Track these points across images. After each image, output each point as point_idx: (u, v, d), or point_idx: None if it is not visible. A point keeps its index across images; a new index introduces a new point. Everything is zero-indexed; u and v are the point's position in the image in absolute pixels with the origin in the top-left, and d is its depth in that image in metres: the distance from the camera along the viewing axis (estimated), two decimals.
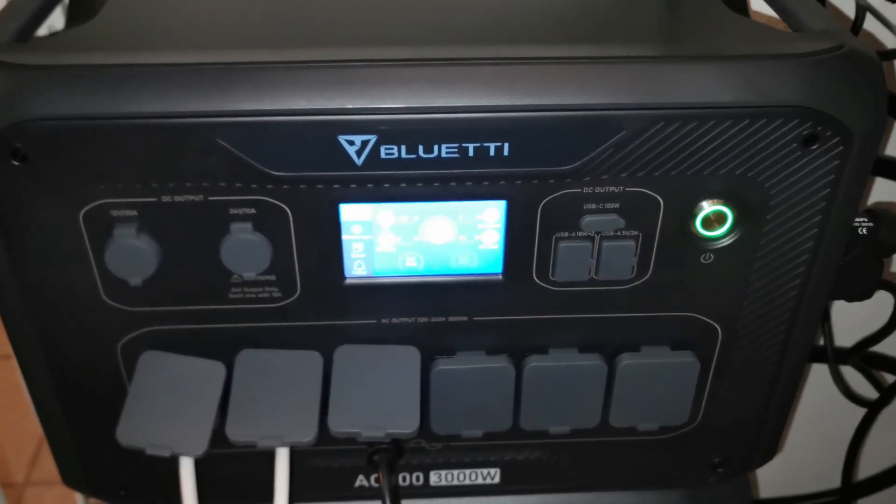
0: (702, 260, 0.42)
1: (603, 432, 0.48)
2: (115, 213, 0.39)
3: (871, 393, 0.61)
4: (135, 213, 0.39)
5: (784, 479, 0.79)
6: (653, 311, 0.44)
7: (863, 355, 0.62)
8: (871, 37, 0.58)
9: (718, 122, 0.37)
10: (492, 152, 0.38)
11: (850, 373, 0.64)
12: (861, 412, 0.63)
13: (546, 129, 0.37)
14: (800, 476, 0.79)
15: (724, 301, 0.44)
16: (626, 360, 0.45)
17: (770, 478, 0.80)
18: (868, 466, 0.72)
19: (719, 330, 0.45)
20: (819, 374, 0.72)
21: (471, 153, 0.38)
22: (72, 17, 0.46)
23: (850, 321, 0.64)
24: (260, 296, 0.42)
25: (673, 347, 0.45)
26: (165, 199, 0.38)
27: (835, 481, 0.69)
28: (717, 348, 0.46)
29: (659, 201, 0.40)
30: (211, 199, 0.39)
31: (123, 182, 0.38)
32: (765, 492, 0.80)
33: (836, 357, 0.61)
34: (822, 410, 0.75)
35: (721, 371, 0.47)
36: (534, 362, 0.45)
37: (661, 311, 0.44)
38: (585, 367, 0.45)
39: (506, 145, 0.38)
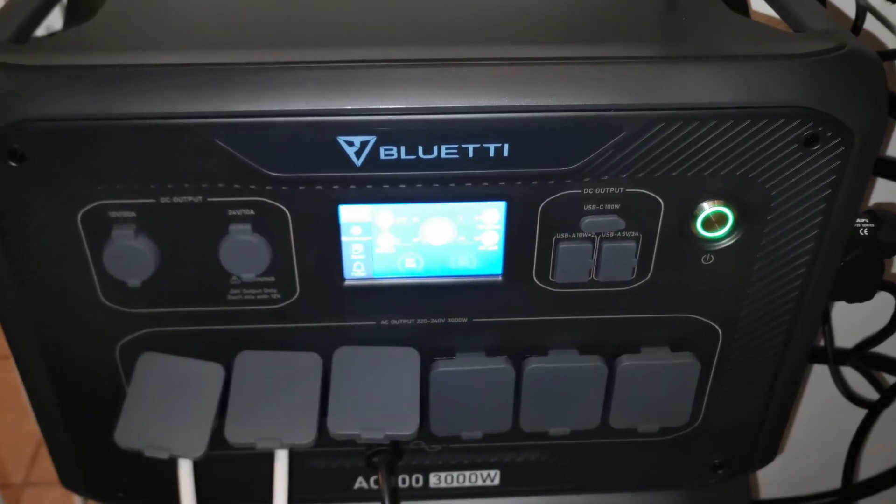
0: (702, 261, 0.42)
1: (603, 434, 0.48)
2: (113, 214, 0.39)
3: (871, 394, 0.61)
4: (133, 214, 0.39)
5: (784, 479, 0.79)
6: (653, 313, 0.44)
7: (863, 356, 0.61)
8: (871, 37, 0.58)
9: (719, 122, 0.37)
10: (491, 153, 0.38)
11: (850, 374, 0.63)
12: (861, 413, 0.62)
13: (546, 129, 0.37)
14: (800, 477, 0.79)
15: (725, 302, 0.44)
16: (626, 362, 0.45)
17: (770, 479, 0.80)
18: (868, 467, 0.72)
19: (720, 331, 0.45)
20: (819, 374, 0.72)
21: (470, 154, 0.37)
22: (70, 18, 0.45)
23: (851, 322, 0.64)
24: (259, 297, 0.42)
25: (673, 348, 0.45)
26: (164, 200, 0.38)
27: (835, 482, 0.68)
28: (718, 349, 0.46)
29: (659, 202, 0.40)
30: (210, 200, 0.38)
31: (122, 183, 0.38)
32: (765, 493, 0.80)
33: (836, 358, 0.60)
34: (822, 411, 0.75)
35: (721, 372, 0.47)
36: (533, 364, 0.45)
37: (661, 312, 0.44)
38: (585, 369, 0.45)
39: (505, 146, 0.37)
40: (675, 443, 0.50)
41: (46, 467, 1.20)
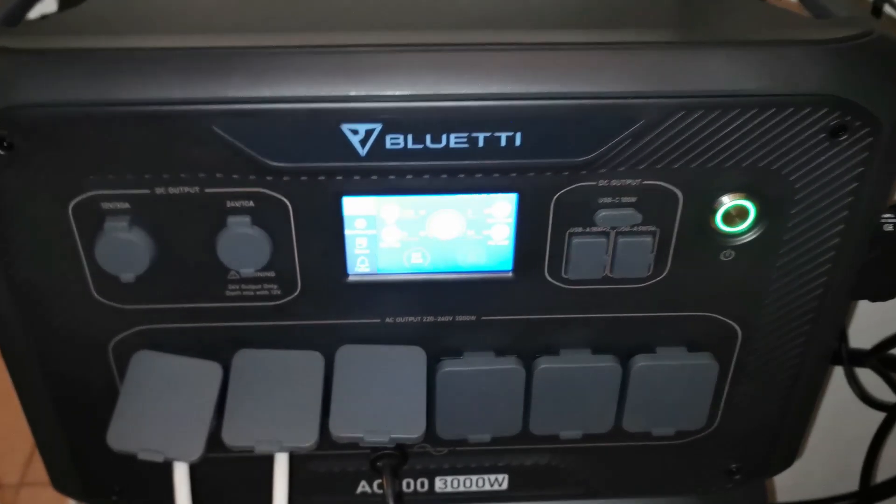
0: (722, 257, 0.41)
1: (616, 437, 0.47)
2: (105, 205, 0.38)
3: (889, 396, 0.60)
4: (127, 205, 0.38)
5: (796, 482, 0.78)
6: (669, 311, 0.43)
7: (881, 358, 0.60)
8: (892, 24, 0.56)
9: (742, 111, 0.36)
10: (503, 142, 0.36)
11: (867, 375, 0.62)
12: (879, 414, 0.61)
13: (560, 118, 0.36)
14: (814, 480, 0.78)
15: (744, 300, 0.43)
16: (641, 362, 0.44)
17: (783, 483, 0.78)
18: (886, 469, 0.71)
19: (739, 330, 0.44)
20: (835, 375, 0.71)
21: (481, 143, 0.36)
22: (65, 0, 0.45)
23: (868, 322, 0.63)
24: (258, 293, 0.41)
25: (690, 349, 0.44)
26: (159, 191, 0.37)
27: (847, 485, 0.67)
28: (736, 350, 0.44)
29: (678, 195, 0.39)
30: (207, 191, 0.37)
31: (115, 173, 0.37)
32: (778, 496, 0.79)
33: (852, 359, 0.59)
34: (838, 412, 0.74)
35: (740, 373, 0.45)
36: (545, 364, 0.44)
37: (678, 310, 0.43)
38: (598, 369, 0.44)
39: (517, 135, 0.36)
40: (690, 447, 0.49)
41: (42, 467, 1.18)
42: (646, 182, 0.38)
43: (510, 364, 0.43)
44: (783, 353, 0.45)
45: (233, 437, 0.41)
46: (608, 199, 0.39)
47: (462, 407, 0.44)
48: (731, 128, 0.37)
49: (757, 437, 0.49)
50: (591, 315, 0.43)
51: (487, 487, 0.50)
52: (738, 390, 0.46)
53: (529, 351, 0.44)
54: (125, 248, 0.38)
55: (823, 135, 0.37)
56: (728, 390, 0.46)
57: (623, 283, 0.42)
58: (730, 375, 0.45)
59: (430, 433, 0.45)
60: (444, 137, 0.36)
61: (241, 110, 0.35)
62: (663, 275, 0.42)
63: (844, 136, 0.37)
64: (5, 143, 0.35)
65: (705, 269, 0.41)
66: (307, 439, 0.41)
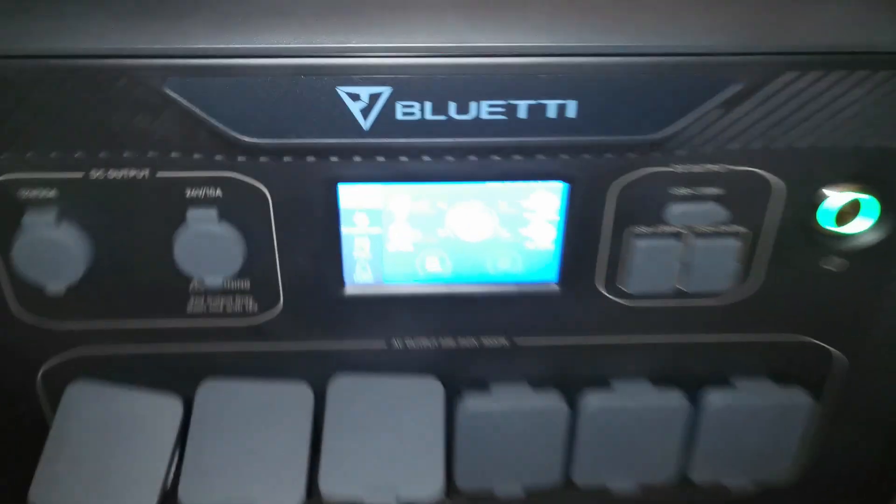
0: (827, 266, 0.37)
1: (679, 489, 0.43)
2: (25, 193, 0.34)
3: None
4: (53, 193, 0.34)
5: None
6: (754, 334, 0.38)
7: None
8: None
9: (871, 73, 0.31)
10: (551, 113, 0.32)
11: None
12: None
13: (626, 81, 0.31)
14: None
15: (852, 321, 0.38)
16: (717, 402, 0.39)
17: None
18: None
19: (844, 359, 0.39)
20: None
21: (521, 114, 0.32)
22: None
23: None
24: (229, 309, 0.37)
25: (774, 380, 0.40)
26: (96, 174, 0.33)
27: None
28: (837, 383, 0.40)
29: (776, 185, 0.34)
30: (160, 175, 0.33)
31: (36, 149, 0.33)
32: None
33: None
34: None
35: (839, 413, 0.41)
36: (595, 402, 0.39)
37: (765, 333, 0.38)
38: (662, 409, 0.39)
39: (571, 104, 0.32)
40: (769, 501, 0.44)
41: None
42: (734, 168, 0.34)
43: (551, 401, 0.39)
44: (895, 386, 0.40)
45: (192, 494, 0.37)
46: (684, 191, 0.34)
47: (488, 452, 0.40)
48: (853, 95, 0.32)
49: (851, 487, 0.45)
50: (655, 339, 0.39)
51: None
52: (835, 433, 0.42)
53: (574, 383, 0.40)
54: (52, 250, 0.34)
55: None
56: (823, 432, 0.42)
57: (699, 299, 0.37)
58: (825, 414, 0.41)
59: (448, 482, 0.40)
60: (472, 106, 0.32)
61: (202, 66, 0.31)
62: (751, 288, 0.37)
63: None
64: None
65: (805, 282, 0.37)
66: (290, 498, 0.37)
